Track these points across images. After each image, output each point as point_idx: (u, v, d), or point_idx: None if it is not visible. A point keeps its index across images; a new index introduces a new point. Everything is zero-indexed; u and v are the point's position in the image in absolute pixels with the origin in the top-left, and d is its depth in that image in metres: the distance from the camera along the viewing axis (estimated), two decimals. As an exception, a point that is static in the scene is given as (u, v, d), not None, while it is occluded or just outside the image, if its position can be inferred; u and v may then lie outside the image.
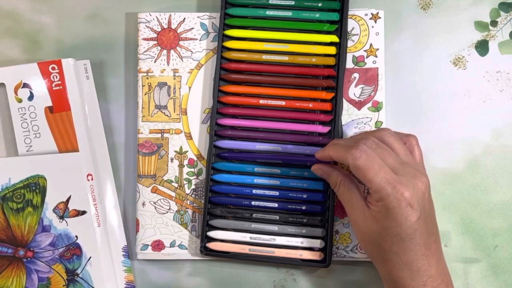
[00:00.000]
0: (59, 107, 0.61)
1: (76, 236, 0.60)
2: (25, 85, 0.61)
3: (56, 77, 0.61)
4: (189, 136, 0.62)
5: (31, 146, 0.61)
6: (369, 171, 0.52)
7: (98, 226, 0.60)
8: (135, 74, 0.63)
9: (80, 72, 0.62)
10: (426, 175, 0.54)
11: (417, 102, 0.63)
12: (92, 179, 0.61)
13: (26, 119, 0.61)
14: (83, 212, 0.60)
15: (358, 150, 0.53)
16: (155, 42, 0.62)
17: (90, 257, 0.60)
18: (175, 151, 0.62)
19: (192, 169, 0.62)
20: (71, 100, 0.61)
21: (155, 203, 0.61)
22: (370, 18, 0.62)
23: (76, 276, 0.60)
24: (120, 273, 0.61)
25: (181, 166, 0.62)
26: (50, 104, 0.61)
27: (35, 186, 0.60)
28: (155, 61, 0.62)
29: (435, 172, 0.62)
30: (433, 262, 0.53)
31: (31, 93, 0.61)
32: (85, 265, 0.60)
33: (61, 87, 0.61)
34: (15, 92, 0.61)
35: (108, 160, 0.62)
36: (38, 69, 0.61)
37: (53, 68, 0.61)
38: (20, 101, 0.61)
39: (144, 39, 0.62)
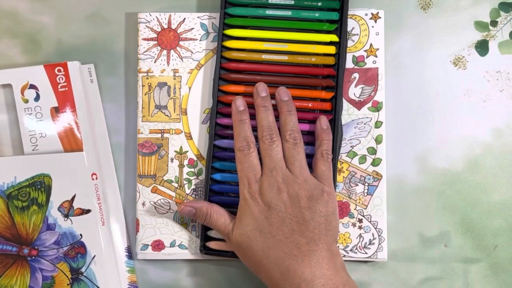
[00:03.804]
0: (64, 108, 0.62)
1: (81, 235, 0.60)
2: (32, 86, 0.62)
3: (62, 79, 0.62)
4: (189, 136, 0.62)
5: (37, 145, 0.62)
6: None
7: (103, 225, 0.60)
8: (135, 74, 0.63)
9: (84, 75, 0.63)
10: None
11: (417, 102, 0.63)
12: (96, 179, 0.61)
13: (32, 119, 0.62)
14: (88, 211, 0.60)
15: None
16: (155, 42, 0.62)
17: (95, 256, 0.60)
18: (175, 151, 0.62)
19: (192, 169, 0.62)
20: (76, 101, 0.62)
21: (155, 203, 0.61)
22: (370, 18, 0.62)
23: (80, 275, 0.60)
24: (124, 273, 0.61)
25: (181, 166, 0.62)
26: (55, 104, 0.62)
27: (40, 185, 0.60)
28: (155, 61, 0.62)
29: (435, 172, 0.62)
30: (305, 264, 0.53)
31: (37, 94, 0.62)
32: (90, 263, 0.60)
33: (66, 88, 0.62)
34: (22, 93, 0.62)
35: (112, 160, 0.63)
36: (44, 71, 0.62)
37: (59, 70, 0.62)
38: (26, 101, 0.62)
39: (144, 39, 0.62)
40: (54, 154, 0.61)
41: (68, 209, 0.60)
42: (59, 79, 0.62)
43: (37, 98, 0.62)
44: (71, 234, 0.60)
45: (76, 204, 0.60)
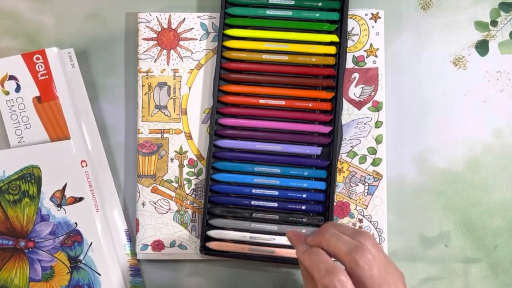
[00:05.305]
0: (47, 96, 0.61)
1: (76, 223, 0.60)
2: (11, 77, 0.61)
3: (41, 67, 0.61)
4: (189, 136, 0.62)
5: (22, 137, 0.61)
6: None
7: (97, 211, 0.60)
8: (135, 74, 0.63)
9: (65, 60, 0.62)
10: None
11: (417, 102, 0.63)
12: (86, 166, 0.61)
13: (15, 110, 0.61)
14: (80, 199, 0.60)
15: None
16: (155, 42, 0.62)
17: (92, 243, 0.60)
18: (175, 151, 0.62)
19: (192, 169, 0.62)
20: (58, 88, 0.61)
21: (155, 203, 0.61)
22: (370, 18, 0.62)
23: (79, 263, 0.60)
24: (123, 256, 0.61)
25: (181, 166, 0.62)
26: (37, 94, 0.61)
27: (30, 177, 0.60)
28: (155, 61, 0.62)
29: (435, 172, 0.62)
30: None
31: (17, 84, 0.61)
32: (87, 251, 0.60)
33: (47, 76, 0.61)
34: (2, 85, 0.61)
35: (101, 145, 0.62)
36: (22, 60, 0.61)
37: (38, 58, 0.61)
38: (7, 93, 0.61)
39: (144, 39, 0.62)
40: (41, 145, 0.61)
41: (60, 199, 0.60)
42: (38, 67, 0.61)
43: (17, 89, 0.61)
44: (66, 223, 0.60)
45: (68, 193, 0.60)
